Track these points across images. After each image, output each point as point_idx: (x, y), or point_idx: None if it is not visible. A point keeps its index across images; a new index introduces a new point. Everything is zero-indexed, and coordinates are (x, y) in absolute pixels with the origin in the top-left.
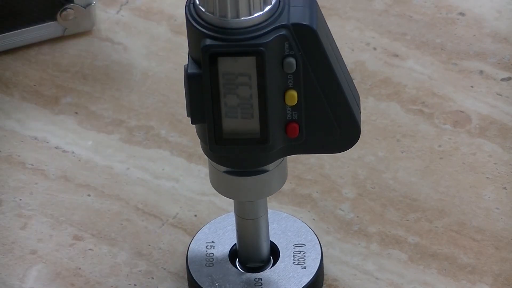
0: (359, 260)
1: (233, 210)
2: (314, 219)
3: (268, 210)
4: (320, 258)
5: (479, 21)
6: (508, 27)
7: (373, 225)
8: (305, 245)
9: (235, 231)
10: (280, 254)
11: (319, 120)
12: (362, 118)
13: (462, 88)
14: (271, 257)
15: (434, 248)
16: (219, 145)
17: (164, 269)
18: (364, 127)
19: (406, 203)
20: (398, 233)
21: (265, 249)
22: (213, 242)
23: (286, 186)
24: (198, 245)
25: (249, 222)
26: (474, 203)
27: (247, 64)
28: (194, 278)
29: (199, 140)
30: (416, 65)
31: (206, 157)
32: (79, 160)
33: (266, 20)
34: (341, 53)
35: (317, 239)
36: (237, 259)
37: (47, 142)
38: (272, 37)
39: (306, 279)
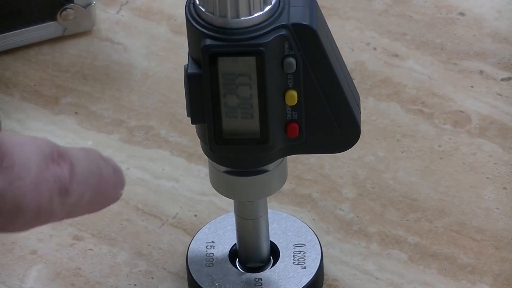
0: (359, 260)
1: (233, 210)
2: (314, 219)
3: (268, 210)
4: (320, 258)
5: (479, 21)
6: (508, 27)
7: (373, 225)
8: (305, 245)
9: (235, 231)
10: (280, 254)
11: (319, 120)
12: (362, 118)
13: (462, 88)
14: (271, 257)
15: (434, 248)
16: (219, 145)
17: (164, 269)
18: (364, 127)
19: (406, 203)
20: (398, 233)
21: (265, 249)
22: (213, 242)
23: (286, 186)
24: (198, 245)
25: (249, 222)
26: (474, 203)
27: (247, 64)
28: (194, 278)
29: (199, 140)
30: (416, 65)
31: (206, 157)
32: None
33: (266, 20)
34: (341, 53)
35: (317, 239)
36: (237, 259)
37: None
38: (272, 37)
39: (306, 279)
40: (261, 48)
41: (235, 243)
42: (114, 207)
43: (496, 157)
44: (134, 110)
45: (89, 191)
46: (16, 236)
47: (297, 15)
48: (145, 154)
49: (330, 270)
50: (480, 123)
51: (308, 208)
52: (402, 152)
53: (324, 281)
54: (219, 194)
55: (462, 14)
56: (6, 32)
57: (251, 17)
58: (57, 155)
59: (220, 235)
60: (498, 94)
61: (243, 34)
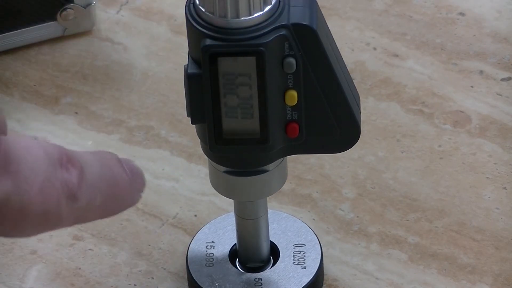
0: (359, 260)
1: (233, 210)
2: (314, 219)
3: (268, 210)
4: (320, 258)
5: (479, 21)
6: (508, 27)
7: (373, 225)
8: (305, 245)
9: (235, 231)
10: (280, 254)
11: (319, 120)
12: (362, 118)
13: (462, 88)
14: (271, 257)
15: (434, 248)
16: (219, 145)
17: (164, 269)
18: (364, 127)
19: (406, 203)
20: (398, 233)
21: (265, 249)
22: (213, 242)
23: (286, 186)
24: (198, 245)
25: (249, 222)
26: (474, 203)
27: (247, 64)
28: (194, 278)
29: (199, 140)
30: (416, 65)
31: (206, 157)
32: None
33: (266, 20)
34: (341, 53)
35: (317, 239)
36: (237, 259)
37: None
38: (272, 37)
39: (306, 279)
40: (261, 48)
41: (235, 243)
42: None
43: (496, 157)
44: (134, 110)
45: (100, 196)
46: None
47: (297, 15)
48: (145, 154)
49: (330, 270)
50: (480, 123)
51: (308, 208)
52: (402, 152)
53: (324, 281)
54: (219, 194)
55: (462, 14)
56: (6, 32)
57: (251, 17)
58: (66, 159)
59: (220, 235)
60: (498, 94)
61: (243, 34)
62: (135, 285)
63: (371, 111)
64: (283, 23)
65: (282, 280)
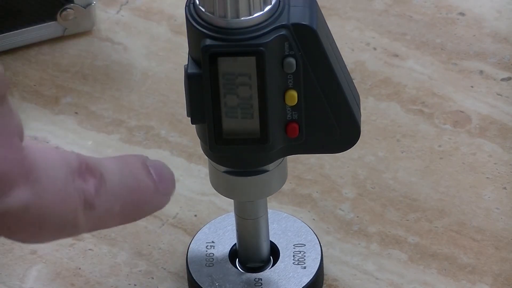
0: (359, 260)
1: (233, 210)
2: (314, 219)
3: (268, 210)
4: (320, 258)
5: (479, 21)
6: (508, 27)
7: (373, 225)
8: (305, 245)
9: (235, 231)
10: (280, 254)
11: (319, 120)
12: (362, 118)
13: (462, 88)
14: (271, 257)
15: (434, 248)
16: (219, 145)
17: (164, 269)
18: (364, 127)
19: (406, 203)
20: (398, 233)
21: (265, 249)
22: (213, 242)
23: (286, 186)
24: (198, 245)
25: (249, 222)
26: (474, 203)
27: (247, 64)
28: (194, 278)
29: (199, 140)
30: (416, 65)
31: (206, 157)
32: None
33: (266, 20)
34: (341, 53)
35: (317, 239)
36: (237, 259)
37: (47, 142)
38: (272, 37)
39: (306, 279)
40: (261, 48)
41: (235, 243)
42: None
43: (496, 157)
44: (134, 110)
45: (120, 203)
46: None
47: (297, 15)
48: (145, 154)
49: (330, 270)
50: (480, 123)
51: (308, 208)
52: (402, 152)
53: (324, 281)
54: (219, 194)
55: (462, 14)
56: (6, 32)
57: (251, 17)
58: (85, 168)
59: (220, 235)
60: (498, 94)
61: (243, 34)
62: (135, 285)
63: (371, 111)
64: (283, 23)
65: (282, 280)
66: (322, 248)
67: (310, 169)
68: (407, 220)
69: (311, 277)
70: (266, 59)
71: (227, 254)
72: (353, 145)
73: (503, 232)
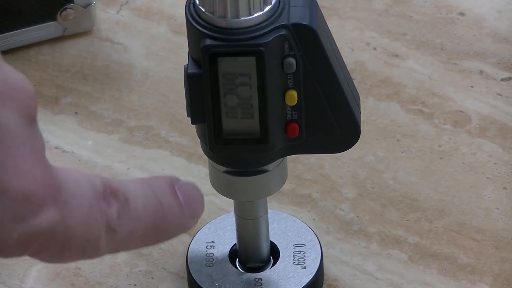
0: (359, 260)
1: (233, 210)
2: (314, 219)
3: (268, 210)
4: (320, 258)
5: (479, 21)
6: (508, 27)
7: (373, 225)
8: (305, 245)
9: (235, 231)
10: (280, 254)
11: (319, 120)
12: (362, 118)
13: (462, 88)
14: (271, 257)
15: (434, 248)
16: (219, 145)
17: (164, 269)
18: (364, 127)
19: (406, 203)
20: (398, 233)
21: (265, 249)
22: (213, 242)
23: (286, 186)
24: (198, 245)
25: (249, 222)
26: (474, 203)
27: (247, 64)
28: (194, 278)
29: (199, 140)
30: (416, 65)
31: (206, 157)
32: (79, 160)
33: (266, 20)
34: (341, 53)
35: (317, 239)
36: (237, 259)
37: (47, 142)
38: (272, 37)
39: (306, 279)
40: (261, 48)
41: (235, 243)
42: None
43: (496, 157)
44: (134, 110)
45: (142, 227)
46: None
47: (297, 15)
48: (145, 154)
49: (330, 270)
50: (480, 123)
51: (308, 208)
52: (402, 152)
53: (324, 281)
54: (219, 194)
55: (462, 14)
56: (6, 32)
57: (251, 17)
58: (110, 192)
59: (220, 235)
60: (498, 94)
61: (243, 34)
62: (135, 285)
63: (371, 111)
64: (283, 23)
65: (282, 280)
66: (322, 248)
67: (310, 169)
68: (407, 220)
69: (311, 277)
70: (266, 59)
71: (227, 254)
72: (353, 145)
73: (503, 232)
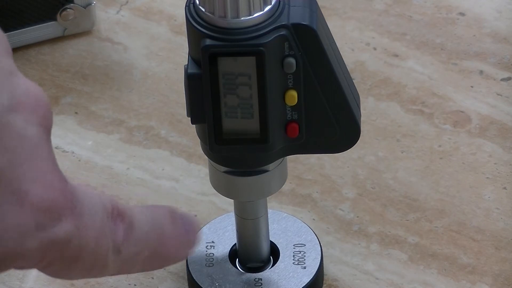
0: (359, 260)
1: (233, 210)
2: (314, 219)
3: (268, 210)
4: (320, 258)
5: (479, 21)
6: (508, 27)
7: (373, 225)
8: (305, 245)
9: (235, 231)
10: (280, 254)
11: (319, 120)
12: (362, 118)
13: (462, 88)
14: (271, 257)
15: (434, 248)
16: (219, 145)
17: (164, 269)
18: (364, 127)
19: (406, 203)
20: (398, 233)
21: (265, 249)
22: (213, 242)
23: (286, 186)
24: (198, 245)
25: (249, 222)
26: (474, 203)
27: (247, 64)
28: (194, 278)
29: (199, 140)
30: (416, 65)
31: (206, 157)
32: (79, 160)
33: (266, 20)
34: (341, 53)
35: (317, 239)
36: (237, 259)
37: None
38: (272, 37)
39: (306, 279)
40: (261, 48)
41: (235, 243)
42: None
43: (496, 157)
44: (134, 110)
45: (146, 252)
46: None
47: (297, 15)
48: (145, 154)
49: (330, 270)
50: (480, 123)
51: (308, 208)
52: (402, 152)
53: (324, 281)
54: (219, 194)
55: (462, 14)
56: (6, 32)
57: (251, 17)
58: (117, 213)
59: (220, 235)
60: (498, 94)
61: (243, 34)
62: (135, 285)
63: (371, 111)
64: (283, 23)
65: (282, 280)
66: (322, 248)
67: (310, 169)
68: (407, 220)
69: (311, 277)
70: (266, 59)
71: (227, 254)
72: (353, 145)
73: (503, 232)
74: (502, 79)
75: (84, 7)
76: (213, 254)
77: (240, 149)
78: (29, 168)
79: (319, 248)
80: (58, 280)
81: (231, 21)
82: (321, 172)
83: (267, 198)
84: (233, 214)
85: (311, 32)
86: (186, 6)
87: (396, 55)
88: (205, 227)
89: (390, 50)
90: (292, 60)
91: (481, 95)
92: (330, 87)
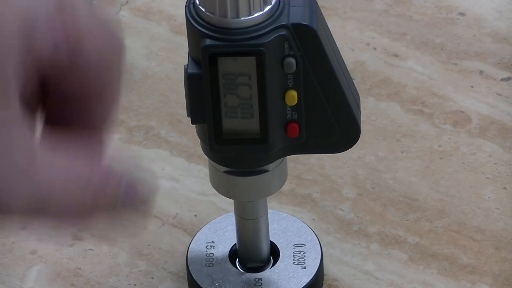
0: (359, 260)
1: (233, 210)
2: (314, 219)
3: (268, 210)
4: (320, 258)
5: (479, 21)
6: (508, 27)
7: (373, 225)
8: (305, 245)
9: (235, 231)
10: (280, 254)
11: (319, 120)
12: (362, 118)
13: (462, 88)
14: (271, 257)
15: (434, 248)
16: (219, 145)
17: (164, 269)
18: (364, 127)
19: (406, 203)
20: (398, 233)
21: (265, 249)
22: (213, 242)
23: (286, 186)
24: (198, 245)
25: (249, 222)
26: (474, 203)
27: (247, 64)
28: (194, 278)
29: (199, 140)
30: (416, 65)
31: (206, 157)
32: None
33: (266, 20)
34: (341, 53)
35: (317, 239)
36: (237, 259)
37: None
38: (272, 37)
39: (306, 279)
40: (261, 48)
41: (235, 243)
42: None
43: (496, 157)
44: (134, 110)
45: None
46: (16, 236)
47: (297, 15)
48: (145, 154)
49: (330, 270)
50: (480, 123)
51: (308, 208)
52: (402, 152)
53: (324, 281)
54: (219, 194)
55: (462, 14)
56: None
57: (251, 17)
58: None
59: (220, 235)
60: (498, 94)
61: (243, 34)
62: (135, 285)
63: (371, 111)
64: (283, 23)
65: (282, 280)
66: (322, 248)
67: (310, 169)
68: (407, 220)
69: (311, 277)
70: (266, 59)
71: (227, 254)
72: (353, 145)
73: (503, 232)
74: (502, 79)
75: None
76: (213, 254)
77: (240, 149)
78: None
79: (319, 248)
80: (58, 280)
81: (231, 21)
82: (321, 172)
83: (267, 198)
84: (233, 214)
85: (311, 32)
86: (186, 6)
87: (396, 55)
88: (205, 227)
89: (390, 50)
90: (292, 60)
91: (481, 95)
92: (330, 87)
